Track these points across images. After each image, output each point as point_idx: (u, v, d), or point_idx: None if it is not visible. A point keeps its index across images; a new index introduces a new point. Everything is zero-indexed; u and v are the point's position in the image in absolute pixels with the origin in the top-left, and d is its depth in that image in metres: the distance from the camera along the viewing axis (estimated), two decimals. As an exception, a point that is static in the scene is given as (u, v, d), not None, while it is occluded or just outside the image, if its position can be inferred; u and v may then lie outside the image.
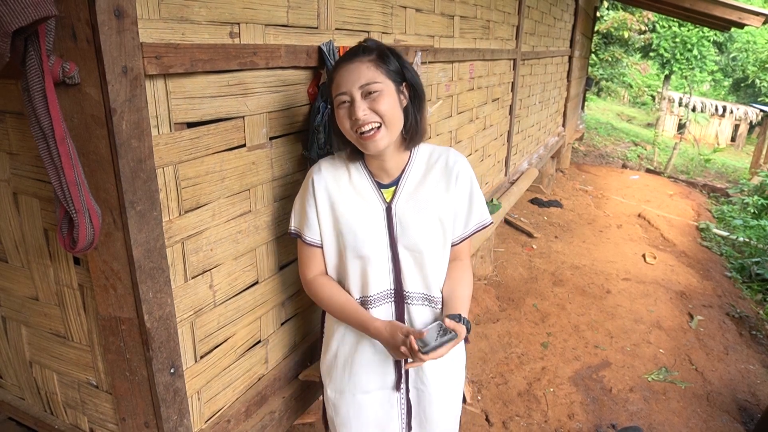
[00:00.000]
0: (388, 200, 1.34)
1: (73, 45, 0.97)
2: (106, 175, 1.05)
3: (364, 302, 1.35)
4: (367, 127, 1.20)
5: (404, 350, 1.22)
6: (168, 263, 1.19)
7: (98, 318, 1.21)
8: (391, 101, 1.22)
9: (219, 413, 1.45)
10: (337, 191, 1.33)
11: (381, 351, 1.38)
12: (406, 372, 1.40)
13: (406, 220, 1.33)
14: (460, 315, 1.29)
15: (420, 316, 1.38)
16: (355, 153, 1.34)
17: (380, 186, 1.35)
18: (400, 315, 1.37)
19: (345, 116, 1.22)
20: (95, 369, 1.30)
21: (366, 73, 1.20)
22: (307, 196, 1.34)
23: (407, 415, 1.43)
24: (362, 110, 1.19)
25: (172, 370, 1.23)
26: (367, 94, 1.20)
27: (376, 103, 1.20)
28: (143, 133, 1.07)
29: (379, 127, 1.21)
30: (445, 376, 1.45)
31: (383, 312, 1.36)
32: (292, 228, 1.40)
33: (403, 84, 1.27)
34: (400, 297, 1.36)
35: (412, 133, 1.31)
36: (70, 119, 1.02)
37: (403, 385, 1.41)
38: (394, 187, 1.35)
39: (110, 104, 0.99)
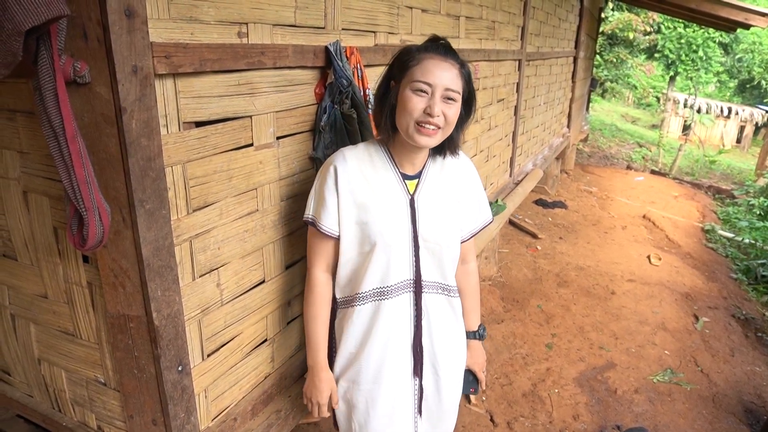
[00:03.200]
0: (411, 192, 1.38)
1: (84, 44, 0.97)
2: (116, 173, 1.06)
3: (384, 292, 1.37)
4: (431, 126, 1.25)
5: (313, 401, 1.43)
6: (176, 261, 1.19)
7: (107, 316, 1.22)
8: (456, 112, 1.29)
9: (226, 411, 1.45)
10: (362, 180, 1.34)
11: (397, 342, 1.40)
12: (422, 358, 1.43)
13: (428, 213, 1.38)
14: (479, 332, 1.60)
15: (436, 304, 1.43)
16: (387, 135, 1.35)
17: (404, 177, 1.38)
18: (417, 304, 1.40)
19: (418, 102, 1.24)
20: (103, 366, 1.31)
21: (455, 80, 1.26)
22: (329, 182, 1.33)
23: (419, 400, 1.46)
24: (439, 109, 1.24)
25: (179, 368, 1.24)
26: (446, 98, 1.25)
27: (448, 109, 1.26)
28: (153, 132, 1.07)
29: (438, 129, 1.27)
30: (455, 362, 1.51)
31: (402, 301, 1.39)
32: (309, 216, 1.37)
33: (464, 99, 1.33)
34: (418, 287, 1.40)
35: (451, 144, 1.38)
36: (81, 118, 1.03)
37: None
38: (416, 180, 1.39)
39: (120, 103, 1.00)
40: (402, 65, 1.28)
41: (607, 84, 16.00)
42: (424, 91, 1.24)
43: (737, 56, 19.64)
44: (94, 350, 1.31)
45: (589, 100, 9.80)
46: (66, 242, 1.24)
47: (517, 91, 4.00)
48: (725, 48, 18.46)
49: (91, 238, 1.03)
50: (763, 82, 15.08)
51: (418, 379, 1.44)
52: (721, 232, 6.36)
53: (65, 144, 0.97)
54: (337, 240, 1.36)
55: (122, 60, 0.98)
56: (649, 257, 5.02)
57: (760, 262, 5.38)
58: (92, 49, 0.97)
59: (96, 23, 0.95)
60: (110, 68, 0.98)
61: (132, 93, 1.01)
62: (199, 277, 1.28)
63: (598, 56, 13.22)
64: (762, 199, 7.73)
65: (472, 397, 2.77)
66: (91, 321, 1.28)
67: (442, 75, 1.23)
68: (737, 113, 19.95)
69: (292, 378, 1.71)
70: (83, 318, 1.29)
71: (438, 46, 1.28)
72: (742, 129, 20.12)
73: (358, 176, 1.34)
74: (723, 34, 15.39)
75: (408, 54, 1.28)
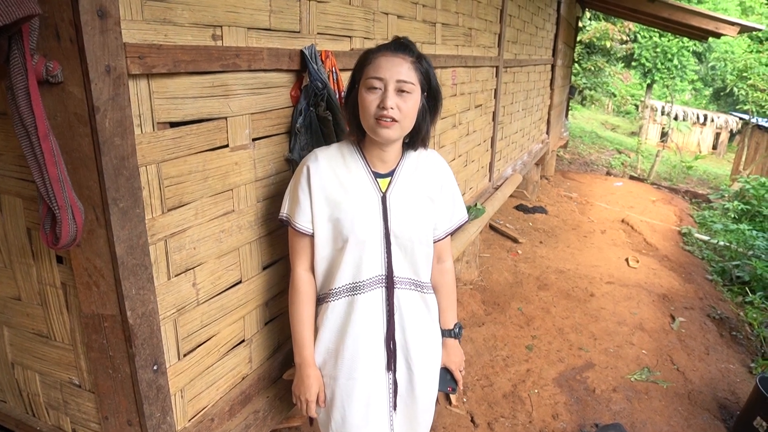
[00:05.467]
0: (383, 190, 1.40)
1: (57, 44, 0.99)
2: (89, 172, 1.06)
3: (356, 287, 1.39)
4: (387, 119, 1.29)
5: (302, 399, 1.44)
6: (151, 260, 1.20)
7: (81, 316, 1.22)
8: (414, 105, 1.32)
9: (203, 412, 1.45)
10: (334, 179, 1.38)
11: (370, 336, 1.42)
12: (395, 353, 1.45)
13: (400, 211, 1.40)
14: (455, 330, 1.61)
15: (409, 300, 1.46)
16: (357, 136, 1.40)
17: (376, 176, 1.41)
18: (389, 299, 1.42)
19: (373, 100, 1.29)
20: (78, 368, 1.31)
21: (407, 72, 1.29)
22: (302, 182, 1.37)
23: (393, 394, 1.47)
24: (392, 101, 1.27)
25: (155, 367, 1.24)
26: (399, 91, 1.29)
27: (403, 102, 1.29)
28: (126, 132, 1.09)
29: (394, 121, 1.30)
30: (428, 358, 1.52)
31: (375, 297, 1.41)
32: (283, 214, 1.42)
33: (425, 93, 1.36)
34: (390, 282, 1.42)
35: (418, 138, 1.41)
36: (54, 117, 1.04)
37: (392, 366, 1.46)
38: (389, 178, 1.42)
39: (93, 102, 1.01)
40: (360, 67, 1.34)
41: (586, 92, 16.30)
42: (377, 87, 1.28)
43: (710, 64, 20.16)
44: (68, 352, 1.31)
45: (568, 108, 9.97)
46: (40, 243, 1.24)
47: (495, 97, 4.07)
48: (699, 57, 18.95)
49: (64, 237, 1.03)
50: (736, 90, 15.47)
51: (391, 374, 1.46)
52: (697, 235, 6.49)
53: (37, 143, 0.98)
54: (313, 237, 1.39)
55: (95, 60, 0.99)
56: (627, 260, 5.11)
57: (734, 263, 5.50)
58: (65, 49, 0.99)
59: (68, 23, 0.97)
60: (83, 68, 0.99)
61: (105, 92, 1.03)
62: (175, 276, 1.29)
63: (576, 64, 13.47)
64: (736, 202, 7.91)
65: (452, 398, 2.79)
66: (65, 322, 1.28)
67: (393, 69, 1.28)
68: (713, 120, 20.46)
69: (271, 379, 1.71)
70: (57, 319, 1.29)
71: (390, 44, 1.34)
72: (717, 136, 20.63)
73: (330, 175, 1.37)
74: (696, 43, 15.79)
75: (364, 55, 1.35)
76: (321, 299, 1.45)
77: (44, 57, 0.99)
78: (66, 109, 1.03)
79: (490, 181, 4.34)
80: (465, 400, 2.84)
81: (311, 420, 1.53)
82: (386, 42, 1.38)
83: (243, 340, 1.58)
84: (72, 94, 1.02)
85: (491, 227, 5.49)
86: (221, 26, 1.31)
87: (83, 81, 1.00)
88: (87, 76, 0.99)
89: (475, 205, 3.64)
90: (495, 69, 3.94)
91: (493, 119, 4.14)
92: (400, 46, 1.33)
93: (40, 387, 1.41)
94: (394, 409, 1.49)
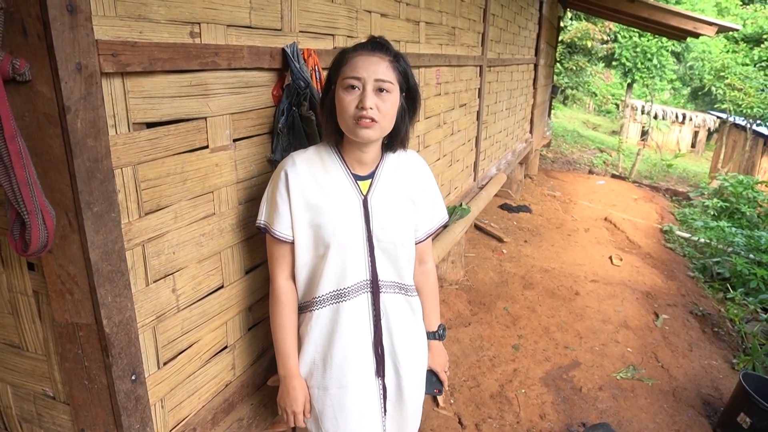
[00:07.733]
0: (364, 193, 1.37)
1: (24, 41, 0.94)
2: (61, 175, 1.02)
3: (341, 294, 1.36)
4: (367, 119, 1.25)
5: (288, 411, 1.39)
6: (128, 266, 1.16)
7: (54, 325, 1.17)
8: (393, 104, 1.29)
9: (184, 421, 1.41)
10: (313, 183, 1.33)
11: (358, 343, 1.39)
12: (383, 358, 1.42)
13: (382, 213, 1.37)
14: (439, 332, 1.60)
15: (394, 303, 1.43)
16: (335, 138, 1.37)
17: (356, 178, 1.37)
18: (375, 304, 1.39)
19: (352, 100, 1.25)
20: (52, 379, 1.25)
21: (385, 71, 1.26)
22: (280, 187, 1.33)
23: (383, 399, 1.44)
24: (371, 101, 1.24)
25: (133, 377, 1.20)
26: (378, 90, 1.25)
27: (382, 102, 1.26)
28: (99, 132, 1.04)
29: (374, 122, 1.26)
30: (415, 361, 1.50)
31: (360, 303, 1.38)
32: (261, 222, 1.37)
33: (404, 93, 1.33)
34: (375, 287, 1.39)
35: (397, 139, 1.39)
36: (22, 118, 0.99)
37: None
38: (369, 180, 1.39)
39: (64, 102, 0.96)
40: (336, 67, 1.30)
41: (568, 91, 16.45)
42: (355, 87, 1.25)
43: (689, 64, 20.51)
44: (41, 362, 1.25)
45: (550, 107, 10.04)
46: (9, 249, 1.19)
47: (479, 96, 4.06)
48: (677, 56, 19.26)
49: (33, 243, 0.98)
50: (713, 89, 15.75)
51: (380, 380, 1.43)
52: (678, 232, 6.58)
53: (4, 144, 0.92)
54: (293, 245, 1.35)
55: (65, 57, 0.95)
56: (611, 258, 5.14)
57: (714, 260, 5.58)
58: (32, 46, 0.94)
59: (36, 19, 0.92)
60: (52, 66, 0.94)
61: (76, 92, 0.98)
62: (153, 282, 1.24)
63: (558, 64, 13.59)
64: (715, 200, 8.04)
65: (440, 400, 2.77)
66: (38, 332, 1.23)
67: (370, 68, 1.25)
68: (691, 119, 20.83)
69: (255, 385, 1.67)
70: (29, 329, 1.23)
71: (367, 43, 1.31)
72: (696, 134, 21.01)
73: (309, 179, 1.33)
74: (675, 43, 16.05)
75: (340, 55, 1.31)
76: (303, 308, 1.41)
77: (10, 54, 0.94)
78: (35, 109, 0.98)
79: (474, 180, 4.33)
80: (452, 401, 2.82)
81: (293, 430, 1.49)
82: (362, 41, 1.34)
83: (226, 347, 1.54)
84: (41, 93, 0.97)
85: (476, 227, 5.49)
86: (199, 23, 1.27)
87: (53, 79, 0.95)
88: (56, 74, 0.95)
89: (460, 204, 3.63)
90: (479, 68, 3.94)
91: (477, 118, 4.14)
92: (377, 45, 1.30)
93: (12, 399, 1.35)
94: (384, 414, 1.46)
